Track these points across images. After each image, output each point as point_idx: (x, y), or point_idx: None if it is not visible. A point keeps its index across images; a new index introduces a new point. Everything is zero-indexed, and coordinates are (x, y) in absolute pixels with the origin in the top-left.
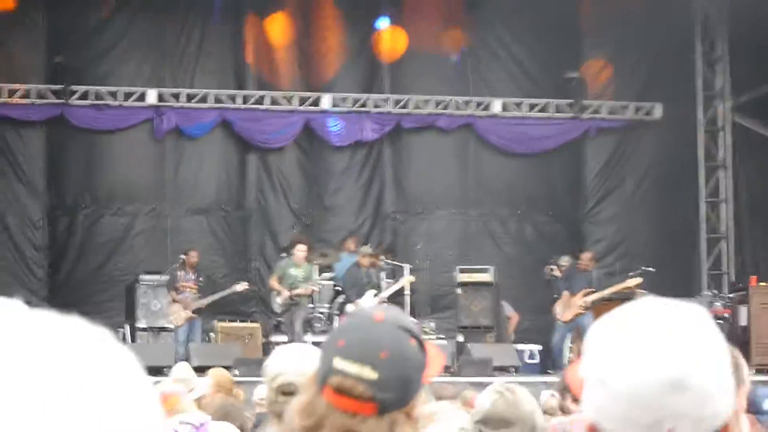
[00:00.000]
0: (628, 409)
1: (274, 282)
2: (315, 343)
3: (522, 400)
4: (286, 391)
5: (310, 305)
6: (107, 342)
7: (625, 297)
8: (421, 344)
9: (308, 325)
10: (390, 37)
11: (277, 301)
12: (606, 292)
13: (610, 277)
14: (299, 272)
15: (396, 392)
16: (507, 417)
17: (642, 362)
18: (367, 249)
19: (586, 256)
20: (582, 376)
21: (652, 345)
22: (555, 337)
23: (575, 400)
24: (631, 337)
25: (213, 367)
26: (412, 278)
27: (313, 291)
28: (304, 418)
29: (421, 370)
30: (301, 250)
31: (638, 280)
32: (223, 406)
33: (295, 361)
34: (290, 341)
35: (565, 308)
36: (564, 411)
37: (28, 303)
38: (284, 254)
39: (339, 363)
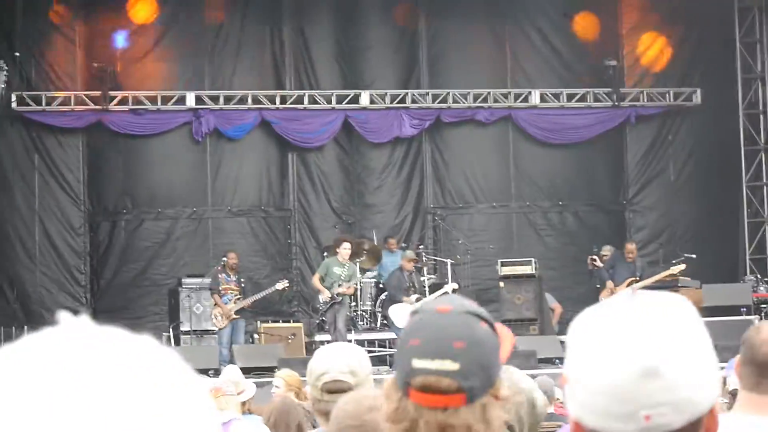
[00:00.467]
0: (605, 401)
1: (316, 280)
2: (358, 342)
3: (520, 379)
4: (332, 390)
5: (353, 304)
6: (169, 356)
7: (668, 285)
8: (491, 325)
9: (351, 324)
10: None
11: (320, 300)
12: (650, 281)
13: (653, 265)
14: (342, 271)
15: (480, 377)
16: None
17: (613, 353)
18: (410, 254)
19: (629, 248)
20: (564, 374)
21: (623, 336)
22: None
23: None
24: (603, 330)
25: (257, 368)
26: (454, 285)
27: (355, 290)
28: (396, 423)
29: (497, 351)
30: (345, 249)
31: (682, 266)
32: (283, 404)
33: (339, 359)
34: (333, 340)
35: (611, 296)
36: None
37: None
38: (326, 253)
39: (418, 363)
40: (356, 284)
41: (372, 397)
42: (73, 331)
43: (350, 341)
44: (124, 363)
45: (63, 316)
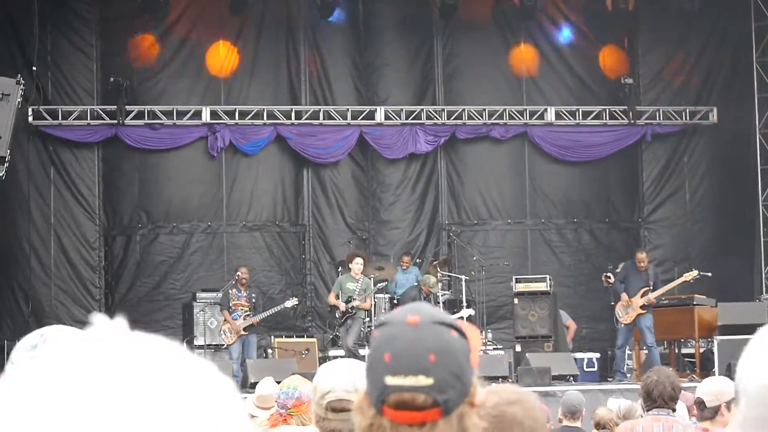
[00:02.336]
0: (762, 410)
1: (332, 297)
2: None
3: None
4: (337, 408)
5: (367, 318)
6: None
7: (684, 303)
8: (460, 332)
9: (365, 339)
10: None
11: (337, 316)
12: (664, 289)
13: (668, 282)
14: (356, 286)
15: (454, 388)
16: None
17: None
18: (431, 281)
19: (640, 256)
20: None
21: None
22: (619, 341)
23: (644, 404)
24: (760, 343)
25: None
26: (471, 311)
27: (370, 304)
28: None
29: (468, 357)
30: (358, 264)
31: (694, 273)
32: None
33: (343, 377)
34: (346, 355)
35: (626, 309)
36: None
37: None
38: (341, 269)
39: (391, 380)
40: (371, 297)
41: (512, 392)
42: (108, 335)
43: (359, 355)
44: (159, 365)
45: (98, 318)
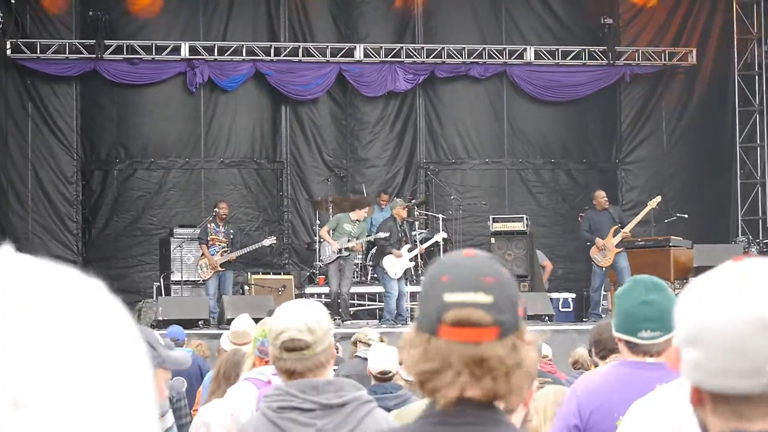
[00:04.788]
0: (725, 358)
1: (325, 232)
2: (352, 294)
3: None
4: (290, 348)
5: (356, 262)
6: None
7: (660, 245)
8: (511, 275)
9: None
10: None
11: (327, 252)
12: (634, 222)
13: (646, 225)
14: (353, 228)
15: (510, 314)
16: None
17: (731, 310)
18: (401, 201)
19: (599, 194)
20: (676, 346)
21: (743, 291)
22: (595, 283)
23: (598, 352)
24: (720, 288)
25: None
26: (444, 235)
27: (361, 247)
28: (426, 363)
29: (518, 295)
30: (362, 212)
31: (658, 198)
32: (234, 355)
33: (296, 317)
34: (333, 292)
35: (602, 252)
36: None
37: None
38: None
39: (450, 297)
40: (363, 243)
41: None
42: None
43: (354, 305)
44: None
45: None
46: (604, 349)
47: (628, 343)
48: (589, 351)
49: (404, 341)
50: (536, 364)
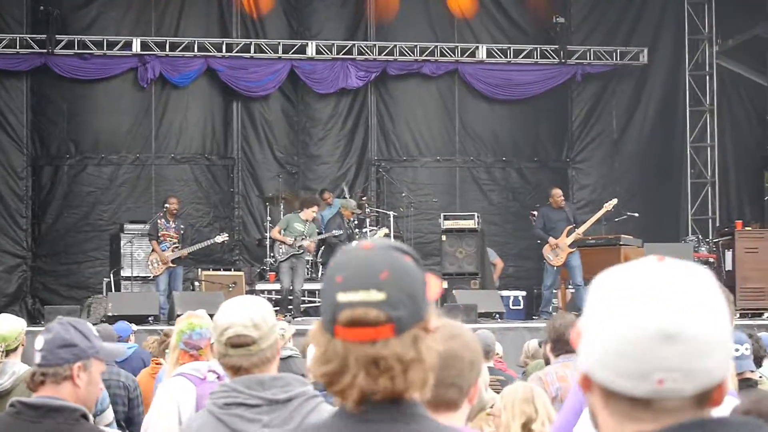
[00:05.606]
0: (620, 359)
1: (276, 233)
2: (303, 291)
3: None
4: (236, 344)
5: (309, 260)
6: None
7: (611, 243)
8: (417, 261)
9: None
10: None
11: (281, 250)
12: (588, 223)
13: (596, 224)
14: (303, 228)
15: (407, 307)
16: None
17: (633, 313)
18: (350, 203)
19: (556, 191)
20: (579, 328)
21: (649, 296)
22: (547, 281)
23: (553, 348)
24: (630, 287)
25: None
26: (386, 230)
27: (314, 249)
28: (325, 365)
29: (424, 284)
30: (312, 211)
31: (614, 201)
32: None
33: (241, 313)
34: (285, 289)
35: (555, 251)
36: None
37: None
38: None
39: (343, 297)
40: (315, 242)
41: (451, 326)
42: None
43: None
44: None
45: None
46: (561, 348)
47: None
48: (542, 344)
49: (311, 336)
50: (437, 353)
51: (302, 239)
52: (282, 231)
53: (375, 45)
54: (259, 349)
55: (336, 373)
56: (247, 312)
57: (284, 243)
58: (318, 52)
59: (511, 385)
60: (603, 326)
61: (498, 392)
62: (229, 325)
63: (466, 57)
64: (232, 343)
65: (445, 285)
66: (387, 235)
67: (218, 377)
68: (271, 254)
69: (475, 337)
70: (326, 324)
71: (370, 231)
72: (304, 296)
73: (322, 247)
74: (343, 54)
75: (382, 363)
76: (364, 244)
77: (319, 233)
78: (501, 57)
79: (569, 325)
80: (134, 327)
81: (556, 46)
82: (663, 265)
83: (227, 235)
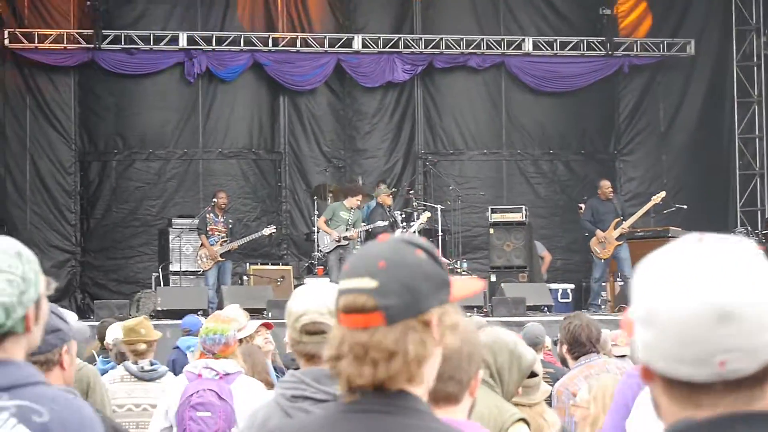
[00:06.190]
0: (677, 345)
1: (322, 222)
2: None
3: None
4: (311, 331)
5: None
6: None
7: (660, 236)
8: (433, 258)
9: None
10: None
11: (326, 241)
12: (636, 215)
13: (645, 216)
14: (349, 216)
15: (401, 298)
16: None
17: (688, 295)
18: (385, 188)
19: (605, 183)
20: (630, 317)
21: (699, 277)
22: (596, 274)
23: (570, 351)
24: (676, 271)
25: (247, 309)
26: (428, 214)
27: (358, 235)
28: (329, 350)
29: (434, 279)
30: (357, 199)
31: (662, 194)
32: (248, 349)
33: (317, 300)
34: (335, 282)
35: (602, 244)
36: (562, 360)
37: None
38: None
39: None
40: (361, 231)
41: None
42: None
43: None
44: None
45: None
46: (580, 351)
47: None
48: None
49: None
50: (432, 349)
51: (347, 229)
52: (328, 221)
53: (421, 38)
54: None
55: (334, 357)
56: (323, 299)
57: (330, 234)
58: (364, 45)
59: (599, 377)
60: (655, 314)
61: (550, 384)
62: (304, 312)
63: (513, 49)
64: (307, 330)
65: (493, 278)
66: (429, 219)
67: (217, 375)
68: (319, 247)
69: (475, 329)
70: (336, 311)
71: (419, 225)
72: None
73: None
74: (389, 47)
75: (366, 350)
76: (382, 236)
77: (364, 223)
78: (547, 49)
79: (585, 326)
80: (203, 321)
81: (603, 38)
82: (705, 243)
83: (275, 227)
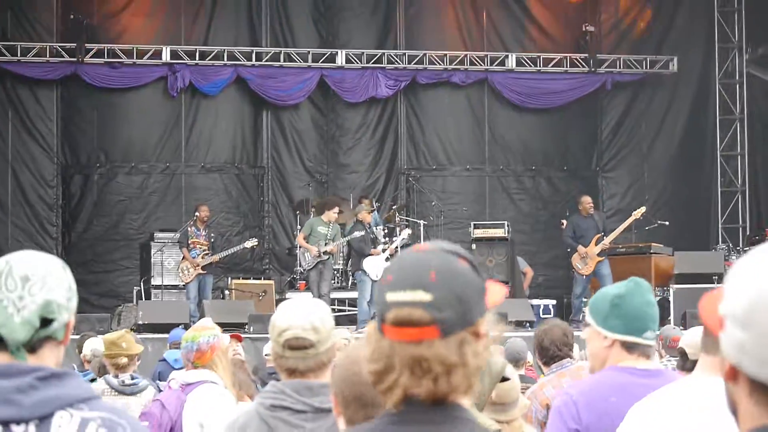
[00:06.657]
0: (753, 331)
1: (301, 239)
2: (333, 299)
3: None
4: (294, 346)
5: (335, 265)
6: None
7: (641, 252)
8: (473, 266)
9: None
10: None
11: (307, 258)
12: (617, 231)
13: (626, 232)
14: (327, 231)
15: (455, 310)
16: None
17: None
18: (365, 206)
19: (586, 199)
20: (722, 313)
21: None
22: (577, 290)
23: (540, 358)
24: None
25: (228, 324)
26: (409, 231)
27: (337, 249)
28: (373, 363)
29: (479, 289)
30: (335, 212)
31: (642, 209)
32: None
33: (301, 316)
34: (315, 297)
35: (584, 260)
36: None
37: None
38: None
39: (391, 296)
40: (340, 244)
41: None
42: None
43: (336, 302)
44: None
45: None
46: (546, 356)
47: (627, 345)
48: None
49: (366, 335)
50: (485, 359)
51: (326, 244)
52: (307, 237)
53: (404, 54)
54: (316, 353)
55: (382, 372)
56: (307, 314)
57: (309, 251)
58: (347, 60)
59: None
60: (755, 316)
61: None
62: (288, 327)
63: (496, 66)
64: (290, 345)
65: None
66: (411, 236)
67: (180, 386)
68: (300, 264)
69: None
70: (378, 323)
71: (401, 240)
72: (334, 304)
73: (351, 255)
74: (372, 63)
75: (425, 364)
76: (421, 246)
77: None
78: (531, 66)
79: (548, 329)
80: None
81: (586, 55)
82: None
83: (257, 240)
